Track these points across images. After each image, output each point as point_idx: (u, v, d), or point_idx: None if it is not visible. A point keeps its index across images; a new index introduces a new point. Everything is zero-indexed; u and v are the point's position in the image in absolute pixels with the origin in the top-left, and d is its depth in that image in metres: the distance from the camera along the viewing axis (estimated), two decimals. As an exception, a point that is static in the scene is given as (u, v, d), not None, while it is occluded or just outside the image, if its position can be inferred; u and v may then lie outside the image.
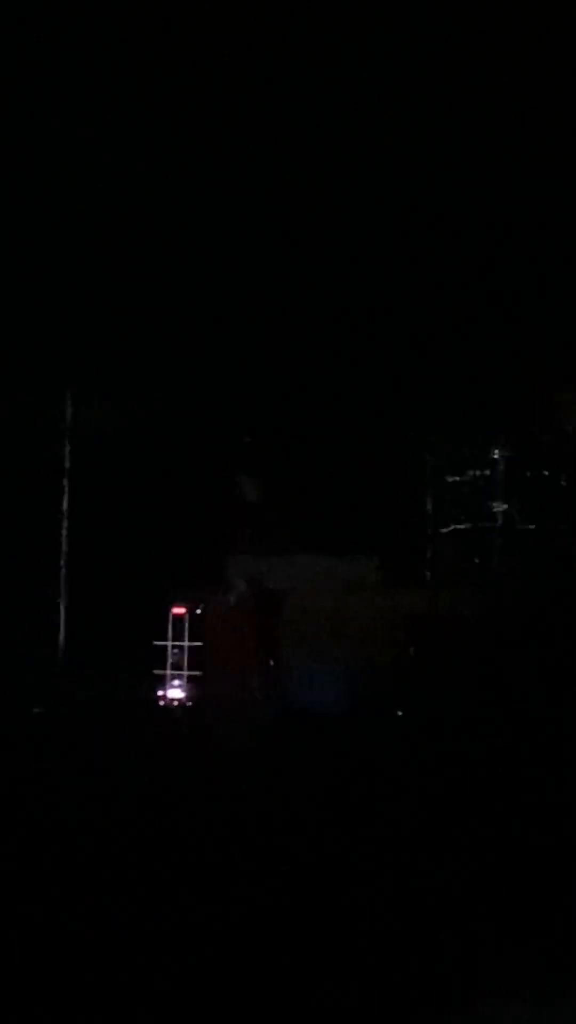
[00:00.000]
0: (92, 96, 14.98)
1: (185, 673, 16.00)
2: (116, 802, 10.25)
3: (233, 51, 15.05)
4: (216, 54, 15.00)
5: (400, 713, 14.78)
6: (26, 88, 14.75)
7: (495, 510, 15.78)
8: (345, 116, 15.20)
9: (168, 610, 15.93)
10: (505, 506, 15.76)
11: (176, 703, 15.98)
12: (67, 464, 15.91)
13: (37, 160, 15.13)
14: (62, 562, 15.88)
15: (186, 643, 15.97)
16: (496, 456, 15.90)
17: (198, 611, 16.02)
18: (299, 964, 6.58)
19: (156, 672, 15.96)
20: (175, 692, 15.99)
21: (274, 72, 15.09)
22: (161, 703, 15.92)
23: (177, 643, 16.03)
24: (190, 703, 15.92)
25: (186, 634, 15.96)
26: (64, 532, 15.93)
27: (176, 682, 16.04)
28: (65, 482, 15.93)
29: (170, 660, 16.02)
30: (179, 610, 15.96)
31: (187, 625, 15.96)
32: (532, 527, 15.67)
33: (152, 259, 15.50)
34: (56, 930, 6.96)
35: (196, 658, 15.98)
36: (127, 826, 9.37)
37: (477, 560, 15.77)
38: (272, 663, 15.50)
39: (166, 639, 15.96)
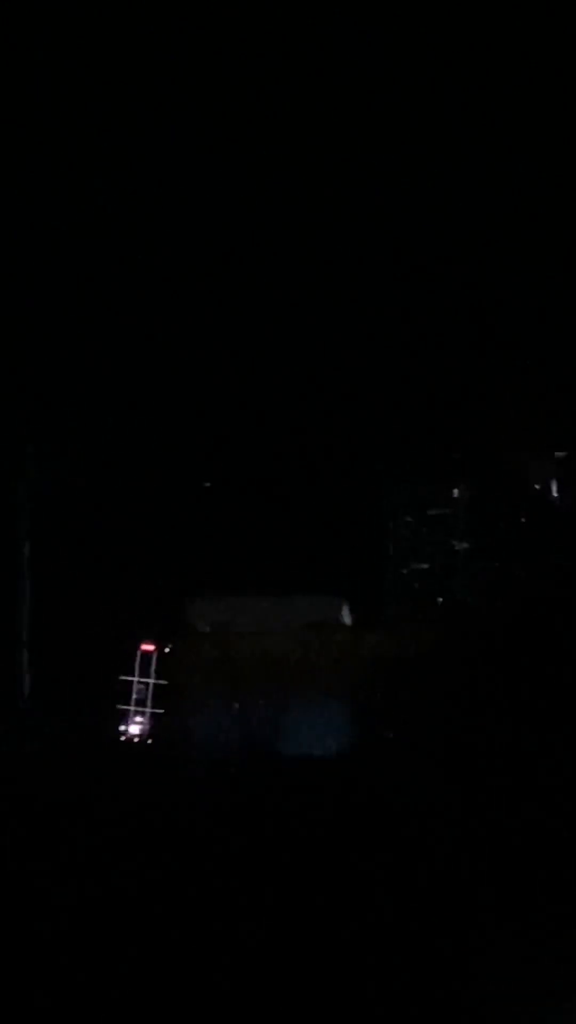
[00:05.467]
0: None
1: (149, 710, 16.03)
2: (75, 837, 10.33)
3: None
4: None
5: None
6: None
7: (456, 549, 15.84)
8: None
9: (135, 647, 15.97)
10: (466, 545, 15.82)
11: (136, 739, 16.00)
12: (28, 508, 15.97)
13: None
14: (25, 605, 15.93)
15: (152, 680, 15.98)
16: (456, 495, 15.96)
17: (167, 649, 16.02)
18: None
19: (120, 707, 16.00)
20: (136, 728, 16.02)
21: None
22: (122, 739, 15.93)
23: (143, 679, 16.05)
24: (150, 740, 15.95)
25: (152, 671, 15.98)
26: (27, 573, 15.99)
27: (138, 719, 16.06)
28: (26, 526, 16.00)
29: (135, 696, 16.03)
30: (148, 647, 15.96)
31: (154, 662, 15.97)
32: (493, 565, 15.74)
33: (105, 314, 15.61)
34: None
35: (162, 696, 16.00)
36: (86, 857, 9.44)
37: (440, 599, 15.82)
38: (236, 704, 15.52)
39: (132, 676, 16.00)
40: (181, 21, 14.82)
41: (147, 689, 15.99)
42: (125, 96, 15.19)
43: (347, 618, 15.80)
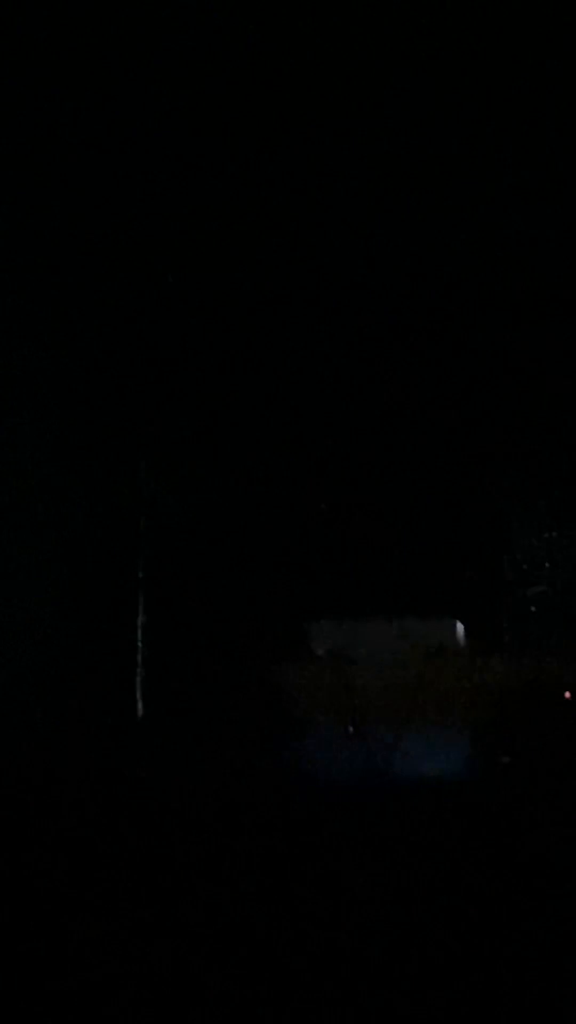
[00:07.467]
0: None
1: None
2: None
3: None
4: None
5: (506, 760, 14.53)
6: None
7: (578, 571, 15.55)
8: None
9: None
10: (588, 567, 15.52)
11: None
12: (142, 530, 15.97)
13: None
14: (138, 630, 15.91)
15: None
16: (578, 516, 15.66)
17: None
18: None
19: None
20: None
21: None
22: None
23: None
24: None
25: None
26: (141, 597, 15.98)
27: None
28: (141, 548, 15.99)
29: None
30: None
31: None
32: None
33: (216, 329, 15.61)
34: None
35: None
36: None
37: (560, 624, 15.51)
38: (351, 730, 15.34)
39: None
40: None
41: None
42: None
43: (463, 641, 15.56)
